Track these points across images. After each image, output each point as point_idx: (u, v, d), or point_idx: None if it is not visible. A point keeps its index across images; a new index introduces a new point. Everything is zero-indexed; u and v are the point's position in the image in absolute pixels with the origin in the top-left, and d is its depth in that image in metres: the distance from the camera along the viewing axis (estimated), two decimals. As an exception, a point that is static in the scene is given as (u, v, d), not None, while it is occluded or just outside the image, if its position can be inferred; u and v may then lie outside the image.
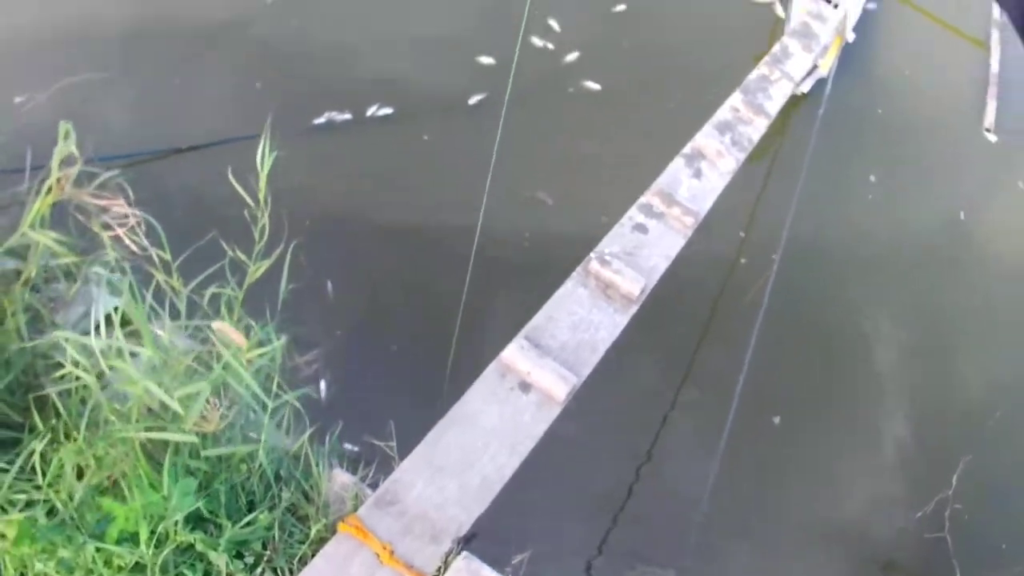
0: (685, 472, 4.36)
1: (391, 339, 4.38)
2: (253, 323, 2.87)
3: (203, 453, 2.80)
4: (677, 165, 4.45)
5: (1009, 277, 5.78)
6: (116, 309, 2.63)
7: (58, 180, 2.91)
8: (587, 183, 5.20)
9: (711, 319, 4.91)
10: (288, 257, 3.05)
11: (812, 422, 4.74)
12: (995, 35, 7.03)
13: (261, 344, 2.83)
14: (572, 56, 5.70)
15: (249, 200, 2.88)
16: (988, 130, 6.40)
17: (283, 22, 5.41)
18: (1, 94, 4.61)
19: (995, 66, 6.78)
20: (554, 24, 5.79)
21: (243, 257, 2.92)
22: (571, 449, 4.25)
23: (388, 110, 5.16)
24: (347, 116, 5.10)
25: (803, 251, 5.26)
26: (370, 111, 5.15)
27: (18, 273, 2.99)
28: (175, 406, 2.55)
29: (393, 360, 4.34)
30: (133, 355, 2.62)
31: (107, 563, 2.57)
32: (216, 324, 2.54)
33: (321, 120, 5.03)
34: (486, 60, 5.53)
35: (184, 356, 2.71)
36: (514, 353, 3.43)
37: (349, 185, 4.88)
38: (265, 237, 2.87)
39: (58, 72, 4.21)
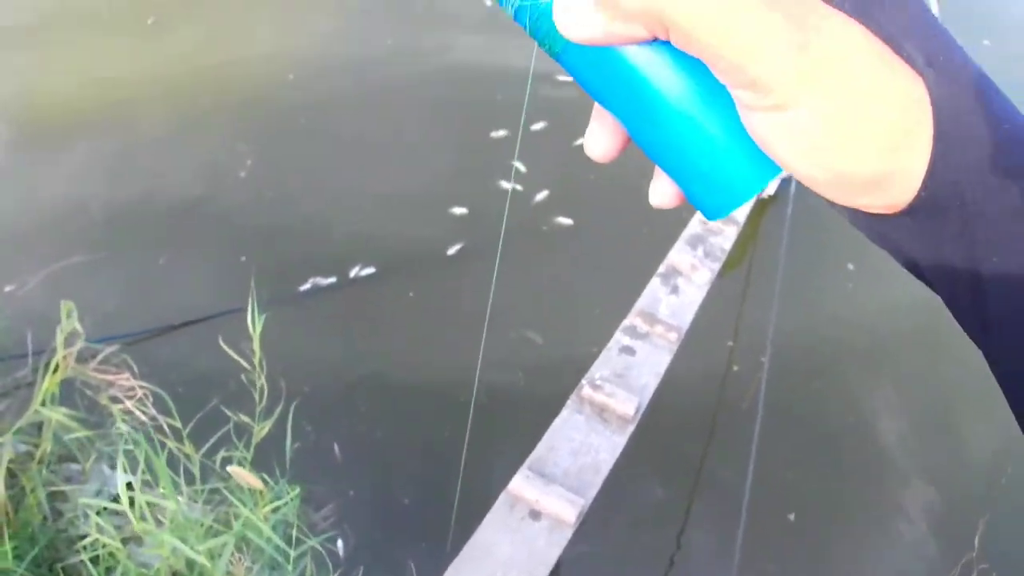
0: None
1: (402, 492, 4.42)
2: (266, 477, 2.94)
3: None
4: (655, 284, 4.60)
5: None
6: (129, 484, 2.70)
7: (63, 358, 3.03)
8: (572, 314, 5.33)
9: (712, 431, 4.98)
10: (291, 415, 3.15)
11: (827, 511, 4.75)
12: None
13: (277, 498, 2.90)
14: (542, 195, 5.90)
15: (245, 364, 3.00)
16: None
17: (259, 195, 5.59)
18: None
19: None
20: (520, 166, 6.01)
21: (247, 419, 3.01)
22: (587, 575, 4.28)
23: (371, 269, 5.30)
24: (331, 280, 5.23)
25: (793, 349, 5.35)
26: (353, 272, 5.28)
27: (31, 454, 3.08)
28: (203, 560, 2.61)
29: (406, 512, 4.37)
30: (158, 521, 2.69)
31: None
32: (232, 468, 2.62)
33: (307, 286, 5.15)
34: (459, 210, 5.71)
35: (205, 516, 2.78)
36: (520, 484, 3.50)
37: (342, 346, 4.98)
38: (264, 399, 2.98)
39: (46, 257, 4.36)
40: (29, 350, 3.37)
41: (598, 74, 0.50)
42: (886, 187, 0.45)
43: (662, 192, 0.56)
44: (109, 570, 2.95)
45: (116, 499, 3.28)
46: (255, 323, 2.95)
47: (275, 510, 2.82)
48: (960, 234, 0.45)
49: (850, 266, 6.11)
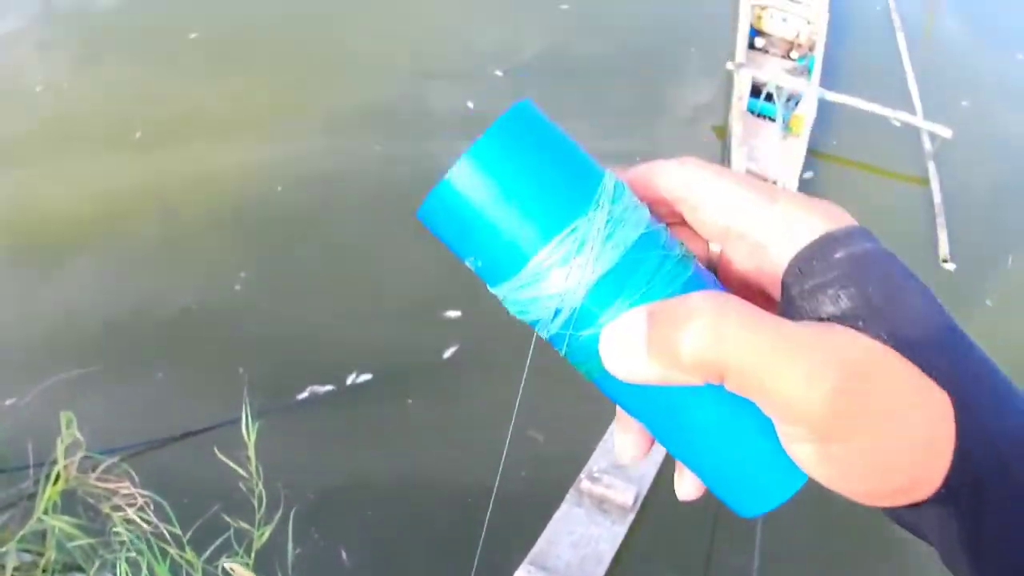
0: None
1: None
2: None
3: None
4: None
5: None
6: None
7: (64, 467, 3.03)
8: (569, 410, 5.32)
9: (717, 514, 4.94)
10: (291, 521, 3.14)
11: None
12: (931, 168, 7.34)
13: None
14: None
15: (243, 473, 3.00)
16: (945, 260, 6.61)
17: (253, 306, 5.63)
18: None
19: (938, 197, 7.06)
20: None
21: (247, 526, 3.01)
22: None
23: (367, 376, 5.31)
24: (329, 387, 5.24)
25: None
26: (350, 380, 5.29)
27: (36, 563, 3.06)
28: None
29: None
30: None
31: None
32: (230, 565, 2.61)
33: (304, 395, 5.16)
34: (452, 314, 5.75)
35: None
36: (523, 579, 3.50)
37: (345, 452, 4.95)
38: (263, 506, 2.98)
39: (45, 371, 4.37)
40: (30, 461, 3.37)
41: (638, 399, 0.51)
42: (910, 493, 0.49)
43: (688, 489, 0.57)
44: None
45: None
46: (249, 432, 2.97)
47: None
48: (974, 521, 0.48)
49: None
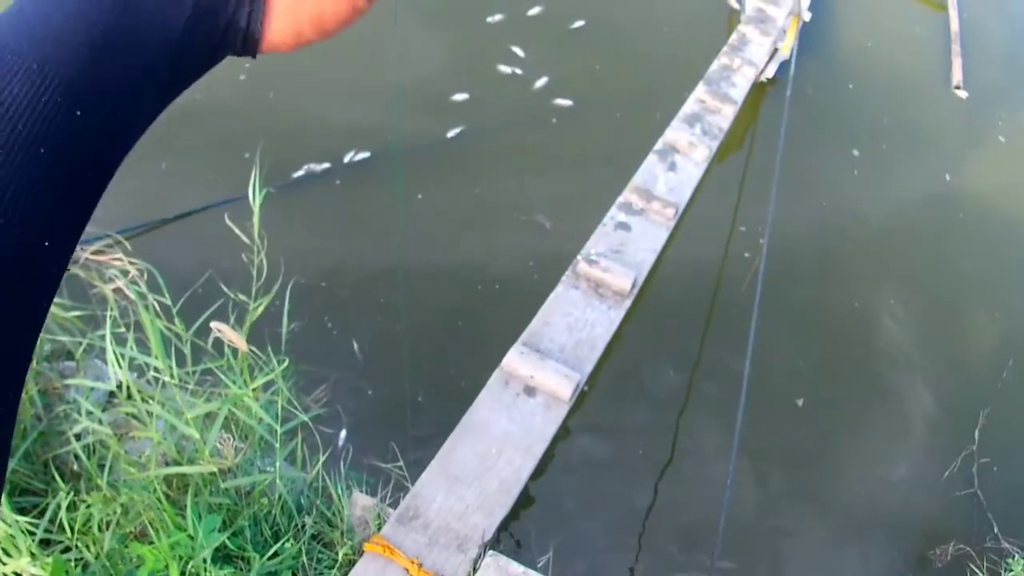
0: (711, 467, 4.35)
1: (415, 384, 4.41)
2: (257, 351, 2.90)
3: (222, 486, 2.85)
4: (651, 161, 4.53)
5: (1003, 230, 5.83)
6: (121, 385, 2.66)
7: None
8: (577, 192, 5.26)
9: (711, 312, 4.94)
10: (288, 295, 3.08)
11: (830, 401, 4.75)
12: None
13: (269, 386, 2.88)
14: (541, 81, 5.78)
15: (244, 238, 2.90)
16: (958, 88, 6.46)
17: (258, 96, 5.46)
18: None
19: (955, 25, 6.85)
20: (518, 51, 5.88)
21: (243, 297, 2.96)
22: (590, 457, 4.27)
23: (365, 154, 5.21)
24: (325, 165, 5.14)
25: (795, 236, 5.32)
26: (347, 158, 5.19)
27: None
28: (192, 432, 2.60)
29: (417, 406, 4.35)
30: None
31: (140, 608, 2.60)
32: (215, 324, 2.58)
33: (300, 172, 5.07)
34: (460, 96, 5.61)
35: (196, 397, 2.76)
36: (514, 359, 3.48)
37: (339, 234, 4.92)
38: (264, 275, 2.92)
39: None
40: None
41: None
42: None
43: None
44: (100, 460, 2.94)
45: (111, 394, 3.26)
46: (255, 196, 2.84)
47: (266, 380, 2.79)
48: None
49: (855, 152, 6.02)
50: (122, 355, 2.56)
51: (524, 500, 3.26)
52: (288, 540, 2.89)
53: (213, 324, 2.57)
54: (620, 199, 4.29)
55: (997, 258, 5.70)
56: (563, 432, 3.39)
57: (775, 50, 5.88)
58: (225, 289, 2.99)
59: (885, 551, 4.32)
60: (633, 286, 3.83)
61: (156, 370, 2.67)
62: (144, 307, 2.69)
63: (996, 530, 4.24)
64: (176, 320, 2.79)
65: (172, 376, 2.64)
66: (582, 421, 3.99)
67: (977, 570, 3.99)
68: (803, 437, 4.61)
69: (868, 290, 5.29)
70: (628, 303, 3.81)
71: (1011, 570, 3.95)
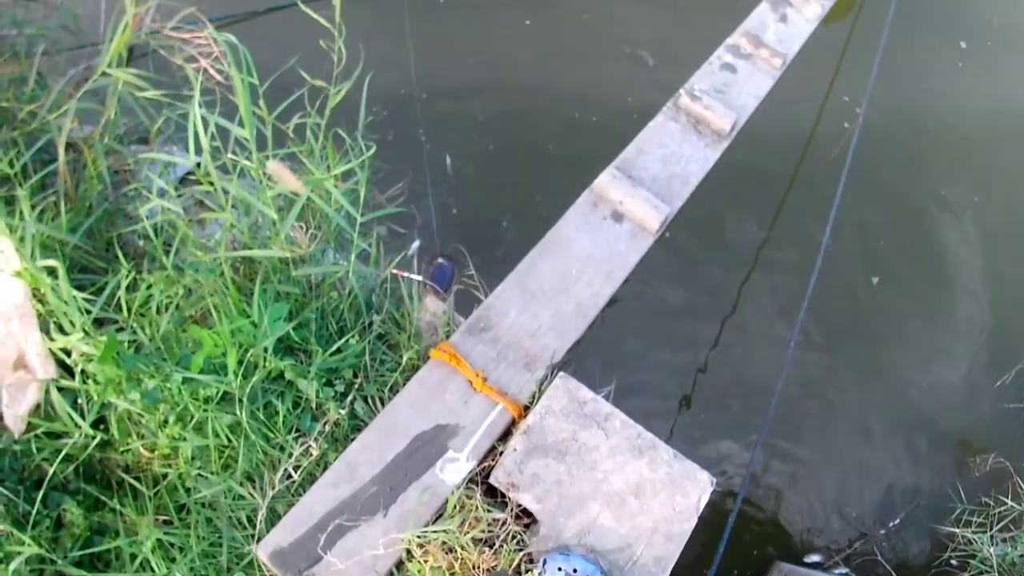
0: (777, 327, 4.27)
1: (505, 208, 4.35)
2: (343, 135, 2.77)
3: (293, 274, 2.75)
4: (763, 9, 4.30)
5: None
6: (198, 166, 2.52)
7: (134, 16, 2.82)
8: (682, 32, 5.11)
9: (796, 177, 4.79)
10: (366, 85, 2.92)
11: (903, 285, 4.64)
12: None
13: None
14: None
15: (323, 22, 2.73)
16: None
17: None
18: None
19: None
20: None
21: (322, 83, 2.81)
22: (662, 305, 4.18)
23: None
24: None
25: (892, 113, 5.13)
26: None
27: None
28: (270, 212, 2.48)
29: (501, 229, 4.28)
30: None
31: (193, 395, 2.51)
32: (270, 164, 2.44)
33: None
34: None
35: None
36: (606, 182, 3.32)
37: (442, 47, 4.85)
38: (343, 62, 2.76)
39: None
40: (103, 39, 3.12)
41: None
42: None
43: None
44: (167, 241, 2.85)
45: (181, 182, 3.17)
46: None
47: (347, 169, 2.66)
48: None
49: (963, 44, 5.70)
50: (206, 122, 2.37)
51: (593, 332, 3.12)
52: (353, 336, 2.80)
53: (268, 165, 2.41)
54: (729, 40, 4.07)
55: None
56: (640, 265, 3.22)
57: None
58: (304, 75, 2.84)
59: (928, 444, 4.25)
60: (732, 128, 3.63)
61: (241, 144, 2.52)
62: (229, 76, 2.55)
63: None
64: (261, 102, 2.66)
65: (254, 149, 2.48)
66: (660, 257, 3.91)
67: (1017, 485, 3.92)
68: (872, 315, 4.52)
69: (954, 184, 5.08)
70: (725, 145, 3.62)
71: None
